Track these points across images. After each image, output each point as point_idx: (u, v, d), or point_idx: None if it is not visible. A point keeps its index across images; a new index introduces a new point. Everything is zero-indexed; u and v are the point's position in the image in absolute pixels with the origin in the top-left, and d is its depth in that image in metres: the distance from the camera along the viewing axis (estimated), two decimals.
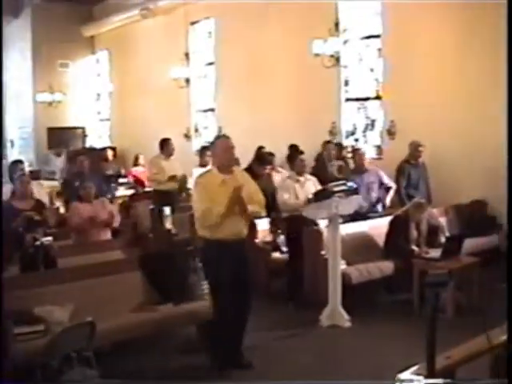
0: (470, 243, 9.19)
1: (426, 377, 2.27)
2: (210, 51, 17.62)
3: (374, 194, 10.21)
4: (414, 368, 3.58)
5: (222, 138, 6.75)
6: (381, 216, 9.89)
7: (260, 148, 12.04)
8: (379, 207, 10.28)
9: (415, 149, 10.44)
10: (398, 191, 10.34)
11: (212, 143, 6.74)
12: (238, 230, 6.30)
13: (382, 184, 10.30)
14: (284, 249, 9.34)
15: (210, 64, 17.62)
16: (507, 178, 4.59)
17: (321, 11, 13.51)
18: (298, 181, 8.87)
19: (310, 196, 8.32)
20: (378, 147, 12.67)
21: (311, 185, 8.91)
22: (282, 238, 9.46)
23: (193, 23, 18.03)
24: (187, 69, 17.88)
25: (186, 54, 18.05)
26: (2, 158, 10.63)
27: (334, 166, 11.45)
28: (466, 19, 11.28)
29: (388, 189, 10.30)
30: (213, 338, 6.39)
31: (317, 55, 12.54)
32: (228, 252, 6.16)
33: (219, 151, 6.39)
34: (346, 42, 13.56)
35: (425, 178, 10.63)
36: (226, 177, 6.31)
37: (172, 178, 11.71)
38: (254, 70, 15.38)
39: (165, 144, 12.14)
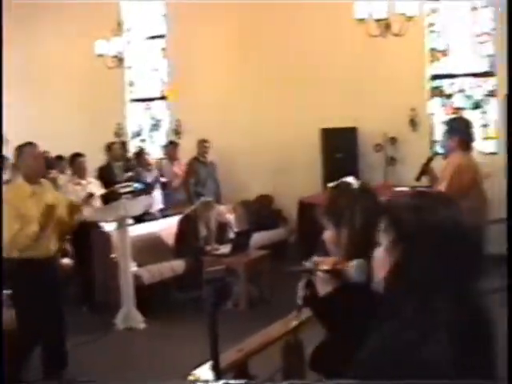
0: (258, 237, 9.47)
1: (214, 373, 2.26)
2: None
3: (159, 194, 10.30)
4: (207, 364, 3.57)
5: (28, 145, 5.98)
6: (169, 216, 9.92)
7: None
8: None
9: (201, 146, 10.59)
10: (186, 190, 10.43)
11: (18, 151, 5.97)
12: (51, 247, 5.91)
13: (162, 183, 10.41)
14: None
15: None
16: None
17: (103, 11, 13.25)
18: (79, 183, 8.58)
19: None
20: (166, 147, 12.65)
21: (94, 187, 8.67)
22: None
23: None
24: None
25: None
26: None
27: (119, 167, 11.23)
28: (246, 19, 11.62)
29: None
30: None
31: (100, 56, 12.28)
32: (40, 271, 5.73)
33: (28, 159, 5.83)
34: (129, 42, 13.42)
35: (214, 176, 10.80)
36: (35, 187, 5.82)
37: None
38: (36, 74, 14.73)
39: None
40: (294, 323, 2.61)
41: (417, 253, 1.75)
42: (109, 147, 11.26)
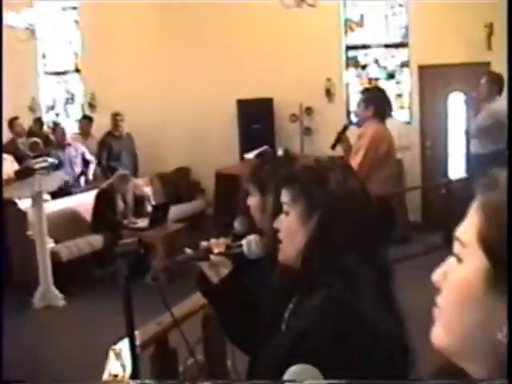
0: (176, 210, 9.44)
1: (131, 347, 2.23)
2: None
3: (77, 169, 10.12)
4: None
5: None
6: (85, 190, 9.77)
7: None
8: (82, 182, 10.22)
9: (114, 119, 10.42)
10: (100, 164, 10.31)
11: None
12: None
13: (84, 158, 10.24)
14: None
15: None
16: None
17: None
18: None
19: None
20: (80, 121, 12.37)
21: (8, 164, 8.45)
22: None
23: None
24: None
25: None
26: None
27: (25, 143, 10.90)
28: None
29: (87, 163, 10.30)
30: None
31: (11, 28, 11.88)
32: None
33: None
34: (41, 13, 13.01)
35: (129, 149, 10.65)
36: None
37: None
38: None
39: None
40: None
41: (334, 222, 1.75)
42: (10, 123, 10.94)
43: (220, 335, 3.57)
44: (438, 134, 10.33)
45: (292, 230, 1.84)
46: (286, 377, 1.18)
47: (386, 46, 10.91)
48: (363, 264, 1.70)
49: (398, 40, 10.83)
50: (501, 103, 7.21)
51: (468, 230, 0.93)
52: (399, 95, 10.61)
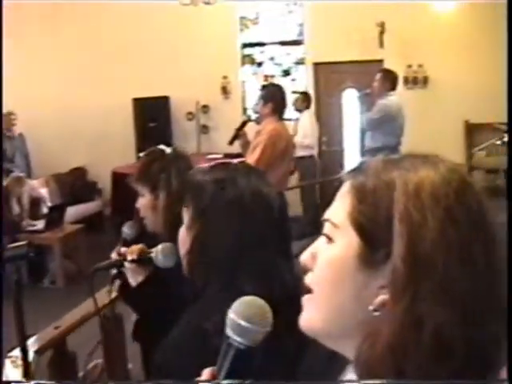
0: (73, 211, 9.23)
1: (22, 352, 2.16)
2: None
3: None
4: (31, 340, 3.43)
5: None
6: None
7: None
8: None
9: (7, 119, 10.05)
10: None
11: None
12: None
13: None
14: None
15: None
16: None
17: None
18: None
19: None
20: None
21: None
22: None
23: None
24: None
25: None
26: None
27: None
28: None
29: None
30: None
31: None
32: None
33: None
34: None
35: (22, 150, 10.32)
36: None
37: None
38: None
39: None
40: (111, 296, 2.55)
41: (216, 228, 1.70)
42: None
43: (120, 338, 3.51)
44: (334, 129, 10.53)
45: (183, 238, 1.81)
46: (235, 304, 1.15)
47: (282, 43, 11.02)
48: (249, 275, 1.65)
49: (293, 38, 10.95)
50: (392, 98, 7.41)
51: (339, 211, 0.97)
52: (295, 92, 10.73)
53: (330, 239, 0.97)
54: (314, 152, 9.70)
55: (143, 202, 2.68)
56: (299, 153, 9.16)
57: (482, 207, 0.95)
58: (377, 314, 0.91)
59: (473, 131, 10.15)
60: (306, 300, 1.00)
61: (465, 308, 0.87)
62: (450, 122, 10.07)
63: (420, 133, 9.65)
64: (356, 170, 0.99)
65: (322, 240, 1.00)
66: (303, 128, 9.43)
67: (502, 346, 0.90)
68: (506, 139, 7.74)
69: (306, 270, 1.01)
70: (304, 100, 9.70)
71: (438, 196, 0.90)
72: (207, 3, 9.16)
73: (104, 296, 2.69)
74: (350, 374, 1.00)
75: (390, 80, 7.44)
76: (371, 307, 0.91)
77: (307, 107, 9.73)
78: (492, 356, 0.90)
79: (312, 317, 0.99)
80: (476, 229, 0.91)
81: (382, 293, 0.90)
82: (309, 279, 1.00)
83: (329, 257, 0.97)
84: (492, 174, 9.40)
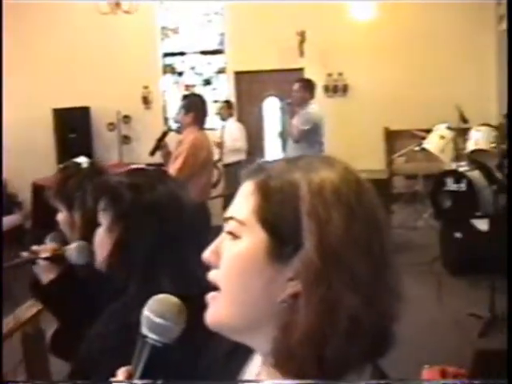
0: None
1: None
2: None
3: None
4: None
5: None
6: None
7: None
8: None
9: None
10: None
11: None
12: None
13: None
14: None
15: None
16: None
17: None
18: None
19: None
20: None
21: None
22: None
23: None
24: None
25: None
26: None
27: None
28: None
29: None
30: None
31: None
32: None
33: None
34: None
35: None
36: None
37: None
38: None
39: None
40: (31, 311, 2.51)
41: (136, 230, 1.74)
42: None
43: (43, 354, 3.43)
44: (256, 137, 10.58)
45: (101, 240, 1.83)
46: (149, 303, 1.17)
47: (203, 52, 11.03)
48: (167, 275, 1.69)
49: (214, 47, 10.97)
50: (313, 107, 7.48)
51: (243, 209, 1.01)
52: (216, 101, 10.74)
53: (235, 236, 1.01)
54: (244, 157, 9.72)
55: (61, 217, 2.66)
56: (228, 159, 9.18)
57: (374, 203, 1.02)
58: (285, 305, 0.96)
59: (392, 138, 10.36)
60: (211, 296, 1.03)
61: (369, 291, 0.95)
62: (370, 129, 10.27)
63: (341, 140, 9.81)
64: (257, 170, 1.04)
65: (225, 237, 1.04)
66: (231, 133, 9.44)
67: (395, 321, 1.00)
68: (424, 145, 7.92)
69: (209, 268, 1.05)
70: (228, 108, 9.72)
71: (339, 194, 0.97)
72: (127, 12, 9.09)
73: (24, 312, 2.63)
74: (255, 364, 1.06)
75: (310, 89, 7.51)
76: (280, 299, 0.96)
77: (231, 115, 9.74)
78: (390, 331, 0.99)
79: (219, 312, 1.02)
80: (372, 223, 0.99)
81: (290, 285, 0.96)
82: (213, 276, 1.03)
83: (236, 253, 1.00)
84: (411, 180, 9.61)
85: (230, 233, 1.02)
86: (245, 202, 1.02)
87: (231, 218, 1.03)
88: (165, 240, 1.73)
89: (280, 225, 0.97)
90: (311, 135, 7.27)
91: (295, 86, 7.45)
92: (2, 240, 5.45)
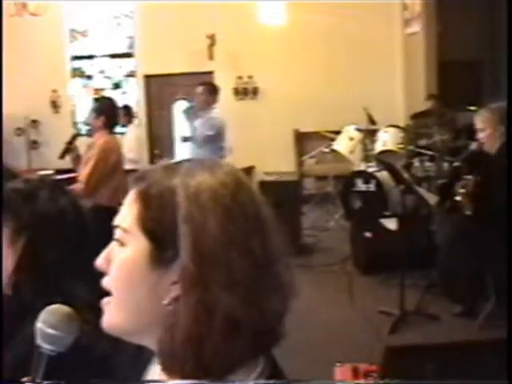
0: None
1: None
2: None
3: None
4: None
5: None
6: None
7: None
8: None
9: None
10: None
11: None
12: None
13: None
14: None
15: None
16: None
17: None
18: None
19: None
20: None
21: None
22: None
23: None
24: None
25: None
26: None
27: None
28: None
29: None
30: None
31: None
32: None
33: None
34: None
35: None
36: None
37: None
38: None
39: None
40: None
41: (41, 241, 1.70)
42: None
43: None
44: (166, 141, 10.52)
45: (4, 258, 1.73)
46: (42, 314, 1.18)
47: (112, 56, 10.89)
48: (82, 283, 1.66)
49: (123, 50, 10.85)
50: (217, 111, 7.45)
51: (128, 217, 1.04)
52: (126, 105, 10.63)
53: (121, 243, 1.04)
54: (139, 166, 9.55)
55: None
56: (127, 166, 9.01)
57: (256, 202, 1.04)
58: (170, 307, 0.99)
59: (302, 140, 10.49)
60: (105, 302, 1.06)
61: (248, 291, 0.98)
62: (280, 131, 10.36)
63: (252, 142, 9.87)
64: (140, 178, 1.06)
65: (115, 244, 1.06)
66: (128, 142, 9.18)
67: (283, 321, 1.03)
68: (333, 147, 8.04)
69: (103, 274, 1.07)
70: (126, 114, 9.06)
71: (215, 197, 1.00)
72: (34, 14, 8.89)
73: None
74: (155, 364, 1.07)
75: (213, 93, 7.46)
76: (165, 302, 0.99)
77: (130, 122, 9.34)
78: (276, 329, 1.02)
79: (112, 317, 1.06)
80: (252, 223, 1.01)
81: (174, 288, 0.99)
82: (105, 282, 1.07)
83: (121, 260, 1.04)
84: (322, 181, 9.74)
85: (117, 240, 1.05)
86: (129, 211, 1.05)
87: (117, 226, 1.06)
88: (71, 250, 1.71)
89: (159, 231, 1.00)
90: (216, 142, 7.25)
91: (198, 90, 7.38)
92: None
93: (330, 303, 5.27)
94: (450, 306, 5.36)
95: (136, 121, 9.73)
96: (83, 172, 5.35)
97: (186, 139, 7.96)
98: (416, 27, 9.61)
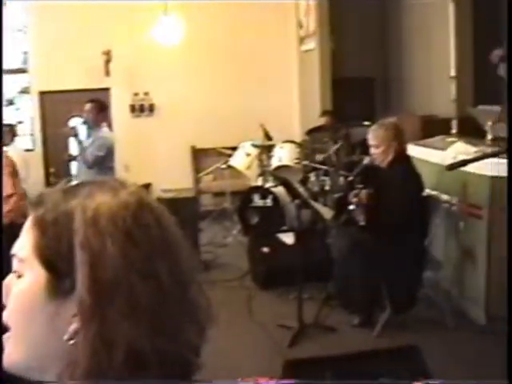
0: None
1: None
2: None
3: None
4: None
5: None
6: None
7: None
8: None
9: None
10: None
11: None
12: None
13: None
14: None
15: None
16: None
17: None
18: None
19: None
20: None
21: None
22: None
23: None
24: None
25: None
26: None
27: None
28: None
29: None
30: None
31: None
32: None
33: None
34: None
35: None
36: None
37: None
38: None
39: None
40: None
41: None
42: None
43: None
44: (62, 159, 10.28)
45: None
46: None
47: (6, 71, 10.58)
48: None
49: (17, 66, 10.58)
50: (106, 130, 7.30)
51: (25, 246, 0.97)
52: (20, 122, 10.36)
53: (19, 274, 0.97)
54: (27, 186, 9.23)
55: None
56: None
57: (162, 224, 0.98)
58: (72, 342, 0.92)
59: (199, 156, 10.50)
60: (5, 337, 0.98)
61: (154, 320, 0.92)
62: (177, 147, 10.33)
63: (148, 159, 9.81)
64: (36, 203, 0.98)
65: (12, 276, 0.99)
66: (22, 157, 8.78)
67: (199, 351, 0.97)
68: (230, 163, 8.09)
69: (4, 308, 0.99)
70: (9, 132, 8.73)
71: (116, 220, 0.93)
72: None
73: None
74: None
75: (102, 110, 7.29)
76: (65, 336, 0.92)
77: (12, 140, 8.82)
78: (189, 361, 0.96)
79: (11, 353, 0.97)
80: (157, 245, 0.95)
81: (75, 321, 0.92)
82: (4, 316, 0.98)
83: (18, 291, 0.96)
84: (219, 197, 9.76)
85: (15, 271, 0.98)
86: (26, 238, 0.97)
87: (14, 255, 0.99)
88: None
89: (56, 260, 0.93)
90: (105, 162, 7.08)
91: (86, 107, 7.18)
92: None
93: (228, 318, 5.27)
94: (347, 317, 5.47)
95: (17, 139, 9.26)
96: None
97: (72, 158, 7.71)
98: (311, 45, 9.81)
